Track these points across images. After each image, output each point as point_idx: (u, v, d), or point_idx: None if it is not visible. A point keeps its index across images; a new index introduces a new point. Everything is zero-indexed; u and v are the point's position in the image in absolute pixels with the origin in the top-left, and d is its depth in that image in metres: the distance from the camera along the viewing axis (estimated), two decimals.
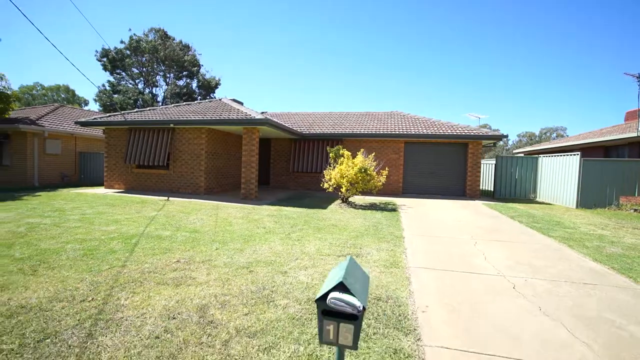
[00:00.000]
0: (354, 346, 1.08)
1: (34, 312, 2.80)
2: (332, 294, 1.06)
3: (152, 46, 31.38)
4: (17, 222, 6.24)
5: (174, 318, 2.78)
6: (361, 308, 1.03)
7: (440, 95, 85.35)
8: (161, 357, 2.24)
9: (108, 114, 12.82)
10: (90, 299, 3.09)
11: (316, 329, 2.69)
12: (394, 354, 2.40)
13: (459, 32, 75.99)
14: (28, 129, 13.03)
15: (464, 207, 10.17)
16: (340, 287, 1.06)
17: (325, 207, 9.31)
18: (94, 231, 5.71)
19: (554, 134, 55.93)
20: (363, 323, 2.83)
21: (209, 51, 64.62)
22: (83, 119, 12.45)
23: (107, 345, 2.36)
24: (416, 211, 9.25)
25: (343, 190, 9.55)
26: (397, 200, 11.46)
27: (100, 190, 11.95)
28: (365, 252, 5.00)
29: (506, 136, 12.53)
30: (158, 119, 11.18)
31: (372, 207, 9.73)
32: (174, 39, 33.37)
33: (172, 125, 11.11)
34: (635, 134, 10.58)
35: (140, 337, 2.47)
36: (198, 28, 64.74)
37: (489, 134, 12.58)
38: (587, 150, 13.99)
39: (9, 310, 2.81)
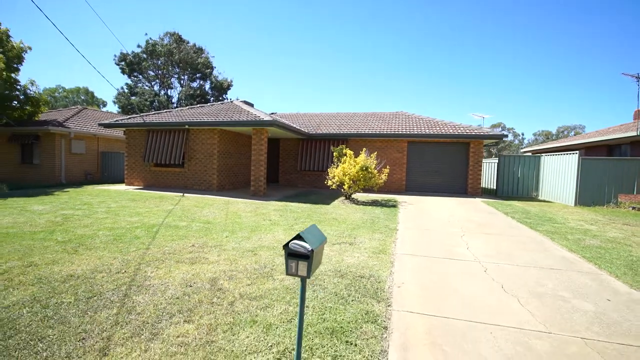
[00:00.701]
0: (308, 276, 1.67)
1: (81, 279, 3.50)
2: (293, 242, 1.66)
3: (167, 50, 32.61)
4: (54, 213, 7.09)
5: (191, 286, 3.43)
6: (310, 249, 1.62)
7: (453, 96, 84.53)
8: (181, 311, 2.89)
9: (128, 117, 13.75)
10: (123, 271, 3.78)
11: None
12: (365, 314, 2.97)
13: (471, 31, 75.12)
14: (56, 130, 14.12)
15: (463, 204, 10.58)
16: (299, 238, 1.66)
17: (328, 203, 9.89)
18: (119, 221, 6.48)
19: (572, 132, 54.79)
20: (342, 290, 3.43)
21: (221, 52, 66.08)
22: (106, 121, 13.42)
23: (139, 302, 3.03)
24: (415, 207, 9.73)
25: (345, 187, 10.11)
26: (400, 198, 11.94)
27: (121, 187, 12.89)
28: (358, 241, 5.57)
29: (506, 136, 12.83)
30: (174, 120, 12.01)
31: (374, 203, 10.26)
32: (188, 42, 34.55)
33: (187, 127, 11.91)
34: (634, 133, 10.73)
35: (164, 298, 3.13)
36: (211, 29, 66.28)
37: (490, 133, 12.87)
38: (592, 150, 14.09)
39: (62, 277, 3.52)
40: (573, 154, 10.66)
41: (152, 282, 3.49)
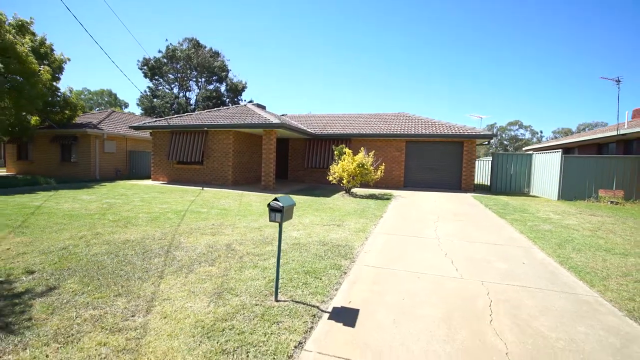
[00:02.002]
0: (281, 222, 2.95)
1: (135, 243, 4.90)
2: (272, 201, 2.93)
3: (186, 54, 34.58)
4: (100, 201, 8.65)
5: (212, 247, 4.77)
6: (282, 206, 2.88)
7: (471, 96, 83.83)
8: (207, 260, 4.22)
9: (154, 119, 15.41)
10: (163, 239, 5.17)
11: (292, 254, 4.58)
12: (334, 265, 4.22)
13: (482, 31, 74.33)
14: (92, 132, 15.96)
15: (452, 198, 11.60)
16: (276, 200, 2.94)
17: (329, 196, 11.14)
18: (153, 208, 7.94)
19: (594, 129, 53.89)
20: (322, 253, 4.69)
21: (236, 55, 68.17)
22: (135, 124, 15.12)
23: (178, 255, 4.38)
24: (406, 200, 10.84)
25: (344, 182, 11.33)
26: (396, 192, 13.05)
27: (148, 182, 14.55)
28: (345, 224, 6.79)
29: (496, 135, 13.79)
30: (194, 123, 13.53)
31: (370, 197, 11.43)
32: (205, 47, 36.43)
33: (205, 129, 13.41)
34: (615, 133, 11.42)
35: (194, 253, 4.48)
36: (227, 32, 68.43)
37: (482, 133, 13.76)
38: (585, 148, 14.73)
39: (121, 241, 4.94)
40: (556, 152, 11.48)
41: (185, 245, 4.85)
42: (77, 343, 2.35)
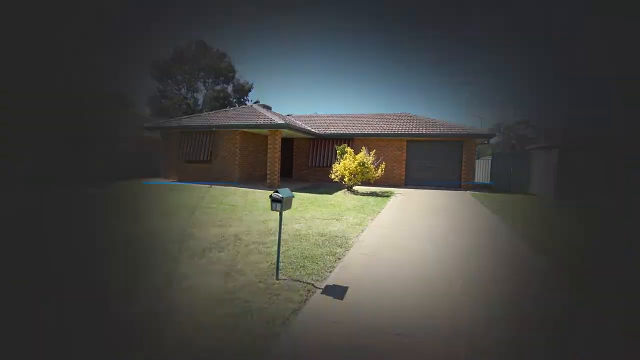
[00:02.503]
0: (281, 211, 3.45)
1: (154, 234, 5.45)
2: (273, 193, 3.44)
3: (194, 56, 35.34)
4: (115, 198, 9.27)
5: (221, 237, 5.29)
6: (282, 197, 3.38)
7: (475, 95, 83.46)
8: (217, 248, 4.74)
9: (165, 120, 16.05)
10: (176, 230, 5.71)
11: (292, 243, 5.07)
12: (329, 252, 4.70)
13: (482, 30, 73.93)
14: None
15: (450, 196, 11.98)
16: (276, 192, 3.45)
17: (331, 194, 11.62)
18: (165, 204, 8.51)
19: None
20: (320, 242, 5.17)
21: (243, 57, 69.09)
22: (146, 125, 15.78)
23: (191, 244, 4.91)
24: (406, 198, 11.26)
25: (346, 180, 11.80)
26: (397, 190, 13.46)
27: (159, 181, 15.21)
28: (344, 218, 7.26)
29: (494, 135, 13.98)
30: (203, 124, 14.13)
31: (371, 194, 11.87)
32: (212, 48, 37.16)
33: (213, 129, 14.00)
34: None
35: (206, 242, 5.00)
36: (229, 32, 69.37)
37: (481, 133, 14.11)
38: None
39: (135, 235, 5.49)
40: (553, 150, 11.78)
41: (197, 236, 5.38)
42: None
